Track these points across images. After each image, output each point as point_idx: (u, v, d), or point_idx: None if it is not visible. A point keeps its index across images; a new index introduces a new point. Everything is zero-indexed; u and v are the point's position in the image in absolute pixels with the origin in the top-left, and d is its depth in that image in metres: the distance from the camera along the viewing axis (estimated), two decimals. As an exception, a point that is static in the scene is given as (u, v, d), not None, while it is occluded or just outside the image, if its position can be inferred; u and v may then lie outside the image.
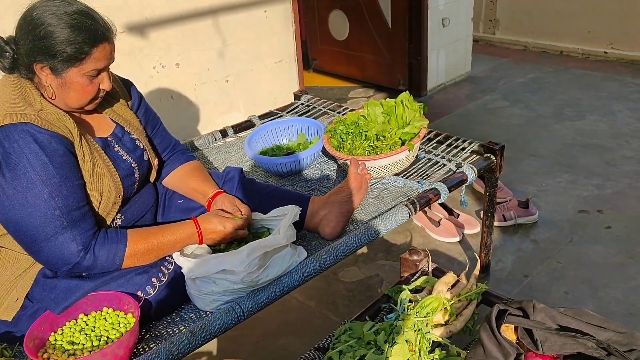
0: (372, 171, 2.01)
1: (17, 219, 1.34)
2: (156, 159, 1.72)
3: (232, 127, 2.54)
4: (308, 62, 5.14)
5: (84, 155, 1.44)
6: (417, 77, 4.41)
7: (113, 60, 1.47)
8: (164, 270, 1.51)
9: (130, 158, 1.59)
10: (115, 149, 1.57)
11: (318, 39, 5.04)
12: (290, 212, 1.62)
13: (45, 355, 1.33)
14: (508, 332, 1.34)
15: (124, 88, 1.70)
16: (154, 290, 1.47)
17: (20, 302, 1.43)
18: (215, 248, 1.62)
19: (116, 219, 1.56)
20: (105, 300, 1.44)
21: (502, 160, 2.15)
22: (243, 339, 2.15)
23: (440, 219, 2.71)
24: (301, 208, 1.69)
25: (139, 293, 1.45)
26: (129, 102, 1.70)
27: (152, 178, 1.73)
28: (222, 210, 1.65)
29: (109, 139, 1.57)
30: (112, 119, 1.62)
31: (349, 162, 2.04)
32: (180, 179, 1.77)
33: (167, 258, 1.54)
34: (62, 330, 1.40)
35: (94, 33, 1.38)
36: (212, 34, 3.05)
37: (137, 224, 1.63)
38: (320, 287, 2.42)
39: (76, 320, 1.43)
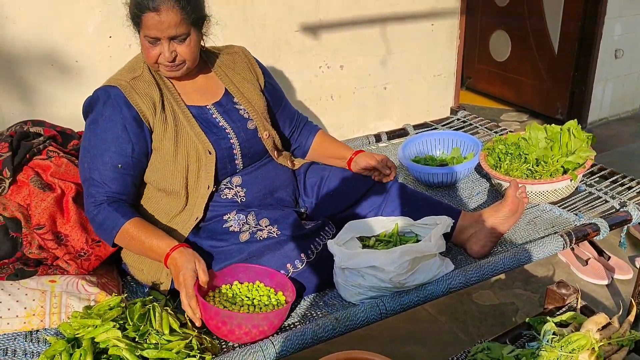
0: (528, 196, 1.96)
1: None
2: (266, 132, 1.76)
3: (387, 133, 2.60)
4: (462, 79, 5.07)
5: (165, 119, 1.60)
6: (579, 107, 4.18)
7: (175, 34, 1.52)
8: (313, 249, 1.60)
9: (226, 124, 1.70)
10: (213, 115, 1.70)
11: (476, 57, 4.96)
12: (442, 223, 1.63)
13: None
14: (667, 386, 1.25)
15: (259, 69, 1.84)
16: (301, 265, 1.57)
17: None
18: (366, 244, 1.68)
19: (235, 188, 1.68)
20: (261, 274, 1.56)
21: (675, 207, 1.99)
22: (370, 341, 2.19)
23: (589, 258, 2.56)
24: (453, 220, 1.70)
25: (288, 265, 1.56)
26: (260, 81, 1.84)
27: (275, 155, 1.80)
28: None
29: (207, 107, 1.70)
30: (226, 88, 1.76)
31: (503, 183, 2.01)
32: (317, 149, 1.94)
33: (316, 239, 1.62)
34: (219, 290, 1.54)
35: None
36: (377, 41, 3.13)
37: (265, 201, 1.72)
38: (452, 304, 2.40)
39: (231, 285, 1.56)
